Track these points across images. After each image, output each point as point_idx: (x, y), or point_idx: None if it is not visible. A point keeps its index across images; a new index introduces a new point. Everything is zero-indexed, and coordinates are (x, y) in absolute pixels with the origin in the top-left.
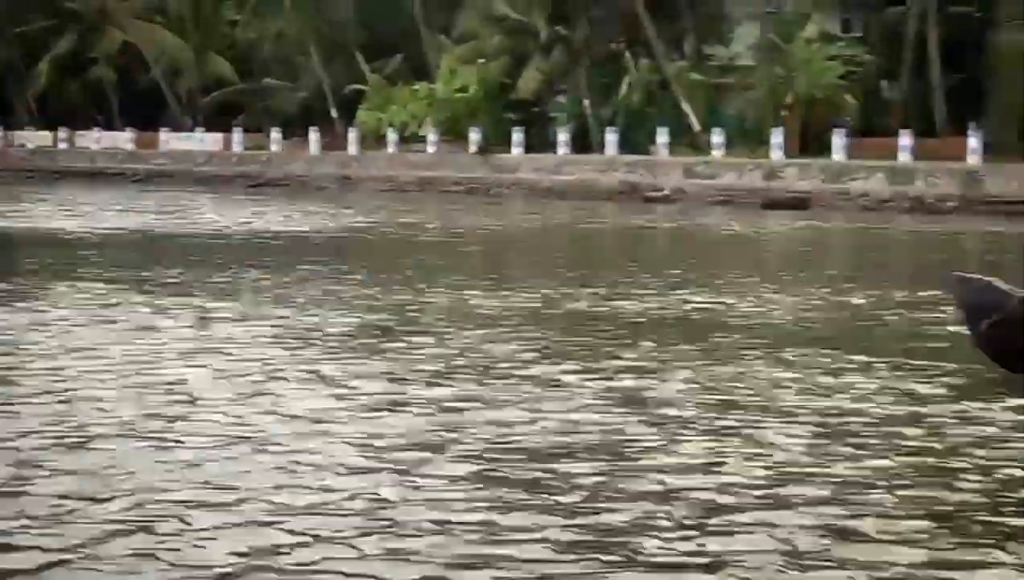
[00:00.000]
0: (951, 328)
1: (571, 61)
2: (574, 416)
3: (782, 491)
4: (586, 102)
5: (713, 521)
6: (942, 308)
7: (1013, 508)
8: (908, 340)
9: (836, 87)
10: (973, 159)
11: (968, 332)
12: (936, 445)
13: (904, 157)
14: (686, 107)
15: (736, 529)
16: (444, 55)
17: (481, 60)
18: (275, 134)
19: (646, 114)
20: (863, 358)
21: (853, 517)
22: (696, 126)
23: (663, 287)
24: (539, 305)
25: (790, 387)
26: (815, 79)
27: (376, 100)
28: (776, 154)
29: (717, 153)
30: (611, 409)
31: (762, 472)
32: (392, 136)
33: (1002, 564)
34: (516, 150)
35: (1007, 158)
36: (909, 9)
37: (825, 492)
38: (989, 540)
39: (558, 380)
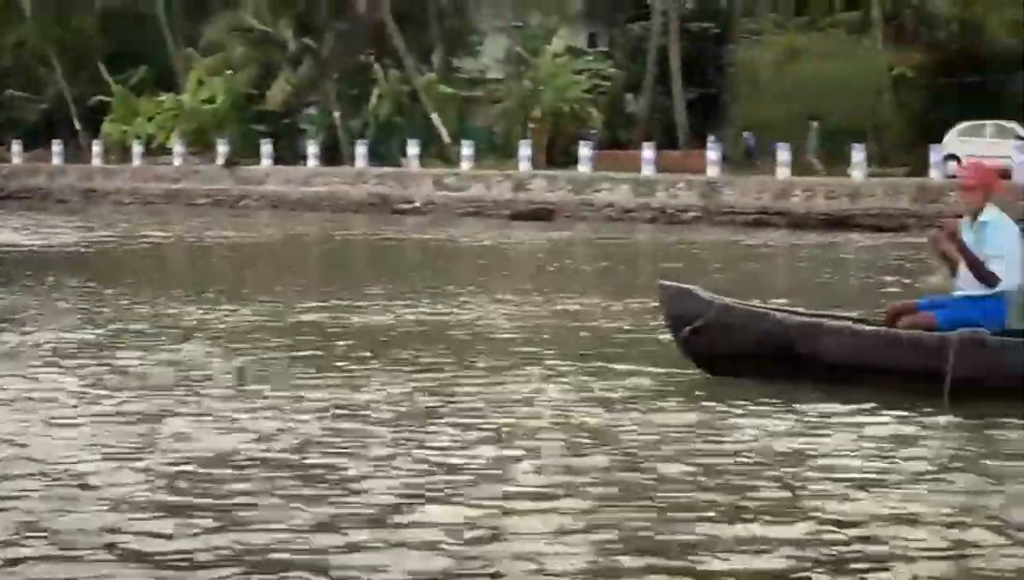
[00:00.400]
0: (664, 335)
1: (319, 72)
2: (275, 427)
3: (455, 498)
4: (336, 114)
5: (393, 533)
6: (660, 315)
7: (698, 515)
8: (622, 346)
9: (582, 100)
10: (712, 171)
11: (672, 338)
12: (632, 450)
13: (647, 169)
14: (436, 119)
15: (408, 537)
16: (191, 66)
17: (228, 71)
18: (16, 146)
19: (396, 126)
20: (574, 364)
21: (531, 529)
22: (446, 138)
23: (401, 299)
24: (268, 318)
25: (493, 395)
26: (562, 92)
27: (121, 111)
28: (524, 166)
29: (467, 165)
30: (313, 420)
31: (441, 478)
32: (138, 148)
33: (677, 572)
34: (265, 162)
35: (744, 170)
36: (652, 24)
37: (499, 503)
38: (668, 548)
39: (263, 392)
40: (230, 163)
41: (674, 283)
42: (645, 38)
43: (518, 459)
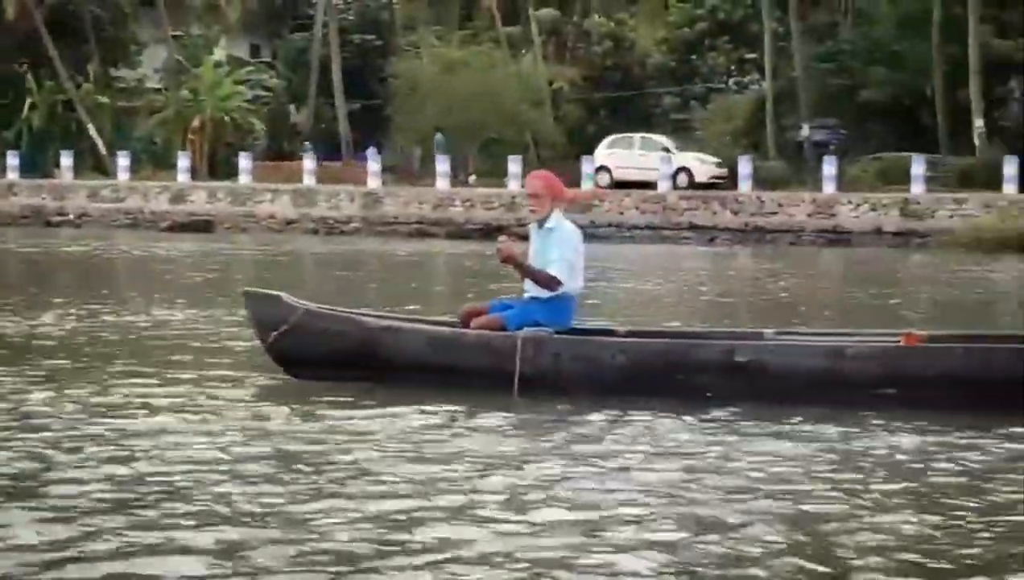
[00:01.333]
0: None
1: None
2: None
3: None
4: None
5: None
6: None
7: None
8: (217, 354)
9: (244, 111)
10: (373, 182)
11: (260, 343)
12: (220, 453)
13: (308, 180)
14: (92, 130)
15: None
16: None
17: None
18: None
19: (50, 136)
20: (172, 374)
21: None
22: (102, 149)
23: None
24: None
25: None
26: (223, 103)
27: None
28: (183, 177)
29: (123, 176)
30: None
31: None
32: None
33: None
34: None
35: (406, 180)
36: (314, 35)
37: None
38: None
39: None
40: None
41: (259, 290)
42: (308, 49)
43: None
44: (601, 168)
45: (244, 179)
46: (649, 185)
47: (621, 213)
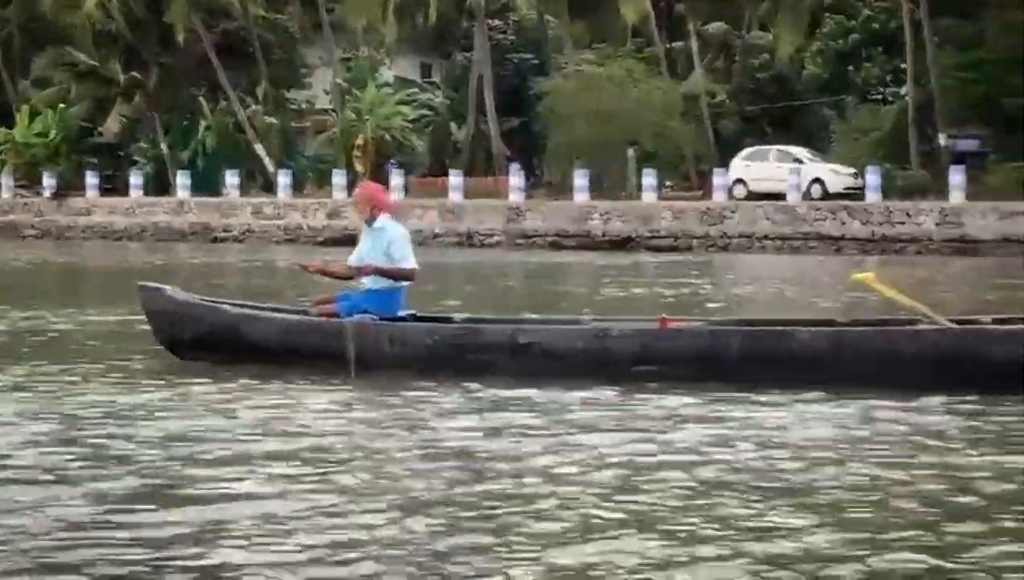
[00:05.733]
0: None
1: (149, 106)
2: None
3: None
4: (164, 145)
5: None
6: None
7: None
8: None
9: (405, 130)
10: (516, 197)
11: (151, 330)
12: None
13: (455, 195)
14: (260, 149)
15: None
16: (29, 98)
17: (62, 105)
18: None
19: (222, 157)
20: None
21: None
22: (270, 168)
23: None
24: None
25: None
26: (385, 122)
27: None
28: (339, 195)
29: (285, 194)
30: None
31: None
32: None
33: None
34: (91, 193)
35: (551, 196)
36: (474, 56)
37: None
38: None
39: None
40: (57, 195)
41: (150, 283)
42: (469, 68)
43: None
44: (737, 180)
45: (396, 195)
46: (784, 197)
47: (752, 223)
